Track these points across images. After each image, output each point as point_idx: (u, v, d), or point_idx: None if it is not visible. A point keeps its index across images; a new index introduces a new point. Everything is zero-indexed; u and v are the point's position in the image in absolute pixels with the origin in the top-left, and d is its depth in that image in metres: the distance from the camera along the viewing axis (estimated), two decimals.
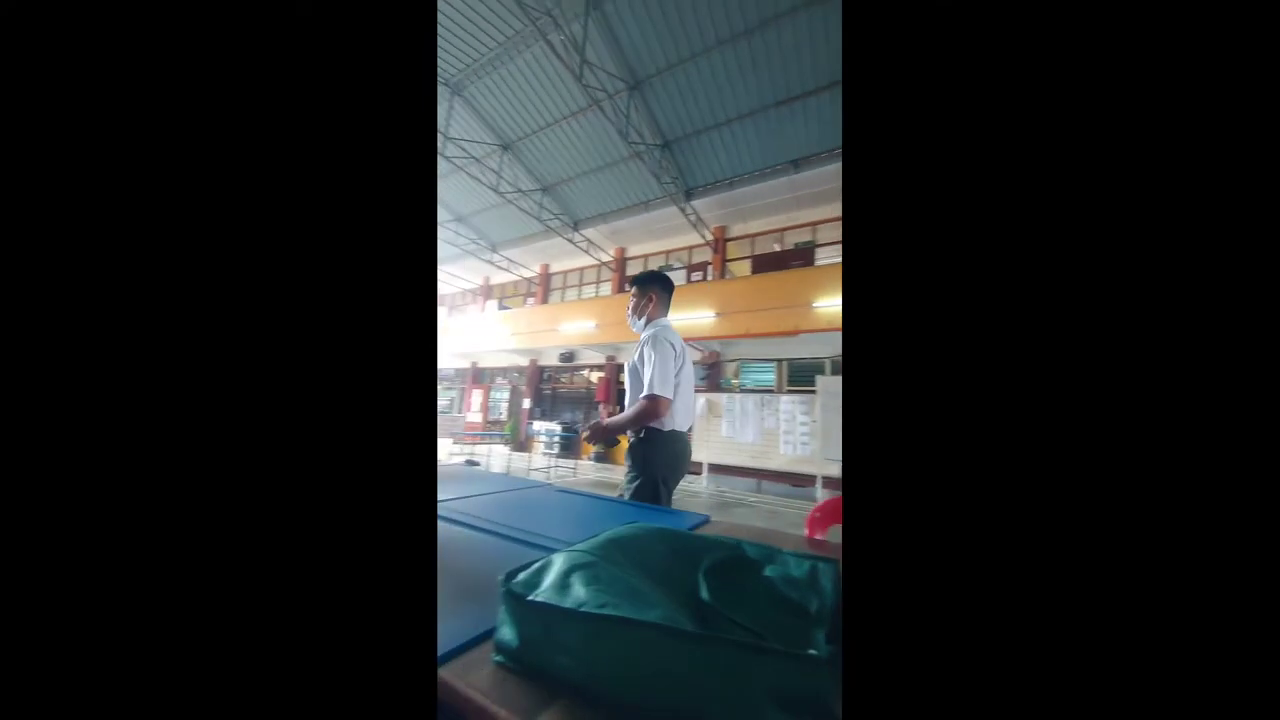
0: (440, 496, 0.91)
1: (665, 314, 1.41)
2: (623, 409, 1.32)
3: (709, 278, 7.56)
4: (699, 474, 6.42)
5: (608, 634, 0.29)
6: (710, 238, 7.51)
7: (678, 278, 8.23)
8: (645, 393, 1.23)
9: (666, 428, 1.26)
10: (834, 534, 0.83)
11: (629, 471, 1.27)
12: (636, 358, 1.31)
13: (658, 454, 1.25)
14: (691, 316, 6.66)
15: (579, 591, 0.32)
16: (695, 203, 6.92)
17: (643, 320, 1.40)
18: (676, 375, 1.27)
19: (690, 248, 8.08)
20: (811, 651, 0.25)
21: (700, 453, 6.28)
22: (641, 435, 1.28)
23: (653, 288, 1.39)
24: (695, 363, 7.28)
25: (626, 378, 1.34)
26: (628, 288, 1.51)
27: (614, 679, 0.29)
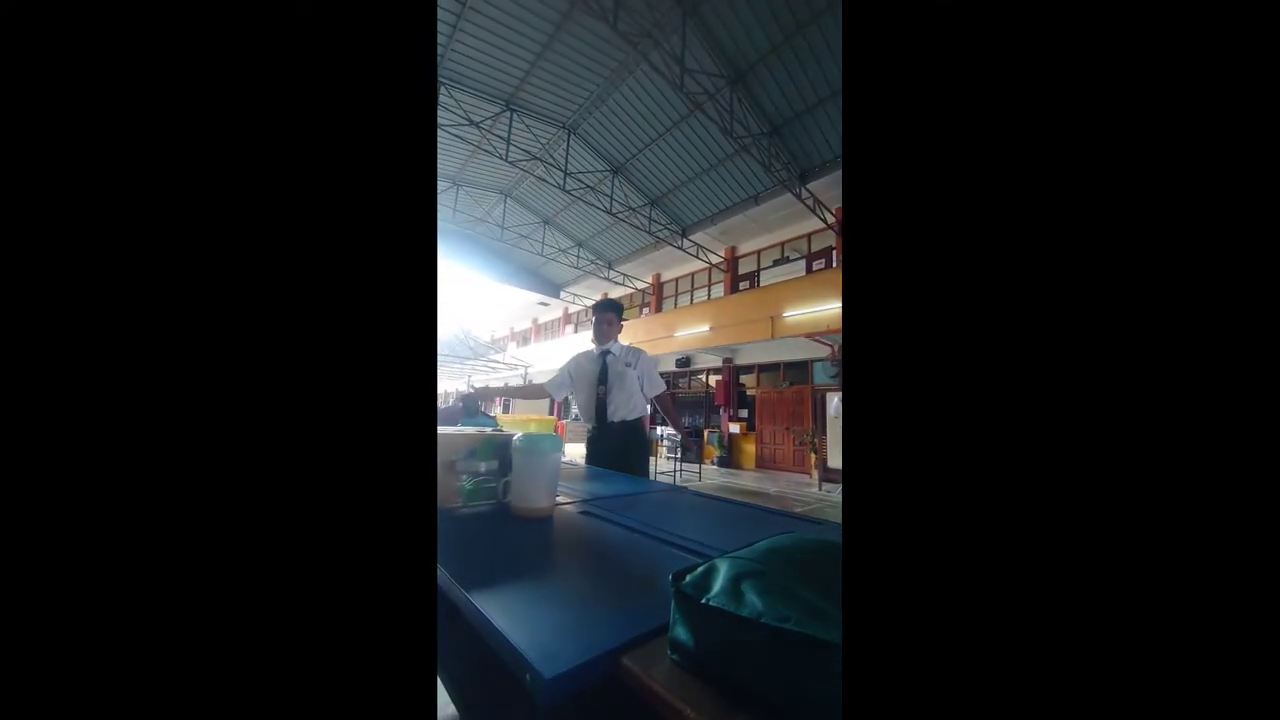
0: (585, 495, 1.00)
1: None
2: (647, 417, 1.72)
3: (834, 264, 6.84)
4: (838, 482, 5.79)
5: (794, 651, 0.27)
6: (832, 220, 6.79)
7: (797, 268, 7.65)
8: (662, 390, 1.79)
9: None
10: None
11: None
12: (639, 370, 1.73)
13: None
14: (816, 309, 6.10)
15: (753, 600, 0.31)
16: (812, 185, 6.36)
17: (610, 342, 1.77)
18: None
19: (810, 235, 7.44)
20: None
21: (836, 457, 5.66)
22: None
23: (616, 314, 1.80)
24: (826, 359, 6.65)
25: (616, 386, 1.71)
26: (588, 315, 1.84)
27: (791, 696, 0.27)
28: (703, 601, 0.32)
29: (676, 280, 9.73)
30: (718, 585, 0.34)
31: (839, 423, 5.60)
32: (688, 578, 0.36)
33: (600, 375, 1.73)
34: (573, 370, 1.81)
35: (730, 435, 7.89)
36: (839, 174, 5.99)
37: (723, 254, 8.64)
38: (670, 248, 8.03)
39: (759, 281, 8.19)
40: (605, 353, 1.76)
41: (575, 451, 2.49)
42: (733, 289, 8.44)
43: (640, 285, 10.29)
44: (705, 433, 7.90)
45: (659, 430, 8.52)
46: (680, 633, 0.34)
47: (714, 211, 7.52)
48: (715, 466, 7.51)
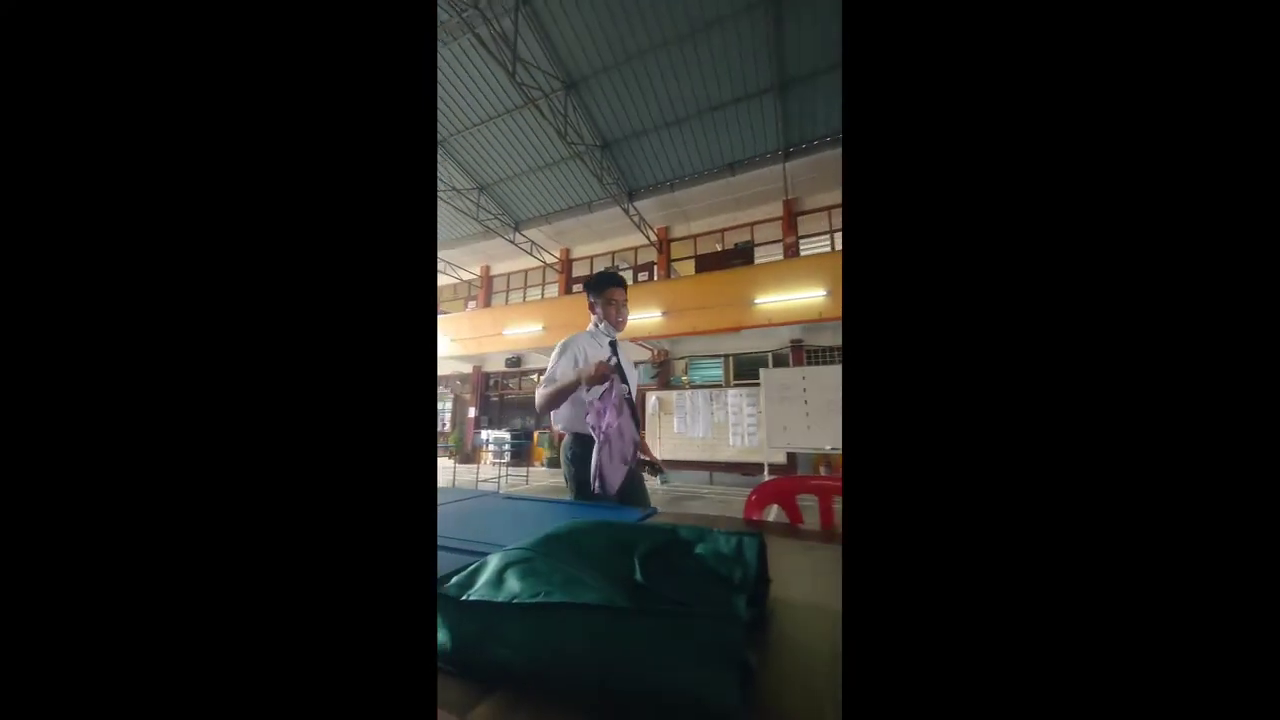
0: None
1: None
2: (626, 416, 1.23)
3: (655, 278, 7.68)
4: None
5: (544, 621, 0.30)
6: (654, 238, 7.63)
7: (624, 277, 8.27)
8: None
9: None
10: (769, 513, 0.89)
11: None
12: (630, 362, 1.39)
13: None
14: (639, 316, 6.72)
15: (513, 585, 0.33)
16: (638, 204, 7.00)
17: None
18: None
19: (636, 248, 8.16)
20: (734, 613, 0.28)
21: (655, 449, 6.37)
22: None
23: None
24: (644, 362, 7.40)
25: (631, 381, 1.37)
26: (578, 290, 1.55)
27: (552, 663, 0.30)
28: (462, 599, 0.32)
29: (508, 275, 9.25)
30: (482, 580, 0.34)
31: (656, 418, 6.31)
32: (454, 579, 0.35)
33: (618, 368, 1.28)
34: (579, 358, 1.27)
35: (561, 435, 7.94)
36: (664, 197, 6.78)
37: (558, 254, 8.67)
38: (501, 240, 7.59)
39: None
40: (614, 343, 1.35)
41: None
42: (567, 290, 8.54)
43: (466, 275, 9.39)
44: (535, 434, 7.74)
45: (483, 435, 7.90)
46: (440, 637, 0.33)
47: (548, 211, 7.48)
48: (545, 468, 7.45)
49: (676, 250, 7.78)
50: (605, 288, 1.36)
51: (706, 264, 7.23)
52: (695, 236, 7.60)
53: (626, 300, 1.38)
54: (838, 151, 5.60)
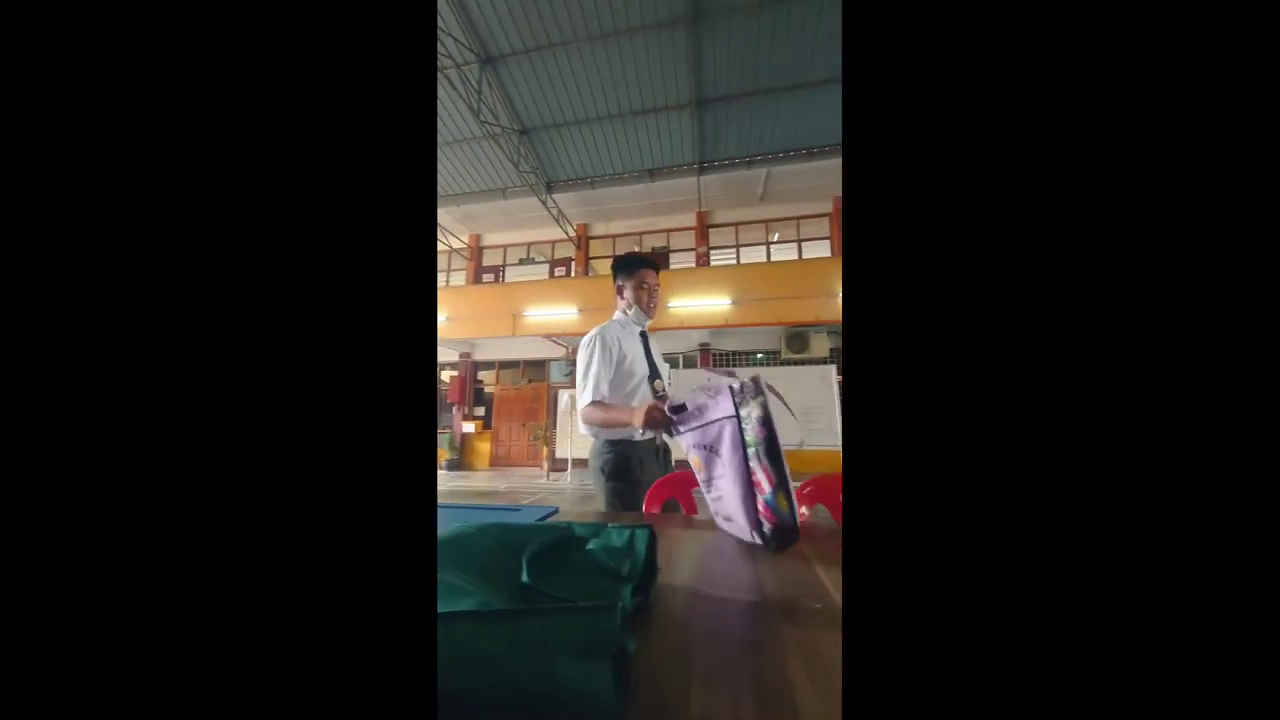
0: None
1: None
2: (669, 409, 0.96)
3: (572, 274, 7.57)
4: (565, 470, 6.41)
5: None
6: (574, 234, 7.51)
7: (540, 271, 8.01)
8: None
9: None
10: (668, 507, 0.94)
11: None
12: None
13: None
14: (555, 312, 6.57)
15: None
16: (558, 197, 6.83)
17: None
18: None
19: (554, 242, 7.95)
20: (615, 604, 0.29)
21: (564, 448, 6.27)
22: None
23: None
24: (559, 359, 7.25)
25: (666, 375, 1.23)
26: (610, 274, 1.30)
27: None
28: None
29: None
30: None
31: (568, 417, 6.22)
32: None
33: (649, 364, 1.14)
34: (614, 352, 1.12)
35: (464, 435, 7.40)
36: (585, 193, 6.70)
37: (467, 240, 8.05)
38: None
39: (504, 277, 8.09)
40: (643, 334, 1.22)
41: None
42: (476, 279, 7.99)
43: None
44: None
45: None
46: None
47: (457, 191, 6.90)
48: (445, 471, 6.86)
49: (595, 248, 7.76)
50: (637, 269, 1.19)
51: None
52: (615, 236, 7.67)
53: (659, 285, 1.22)
54: (747, 172, 6.12)
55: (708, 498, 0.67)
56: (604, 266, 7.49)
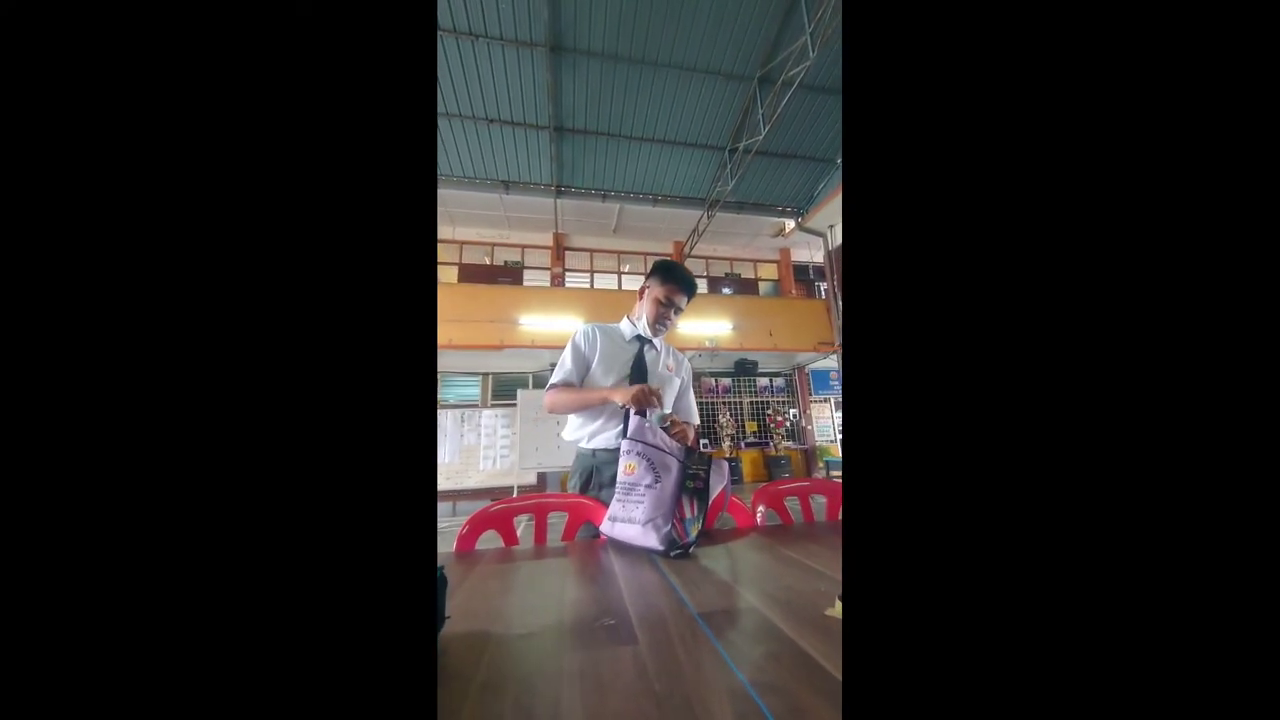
0: None
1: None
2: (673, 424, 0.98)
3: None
4: None
5: None
6: None
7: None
8: (697, 426, 1.16)
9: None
10: (484, 541, 0.87)
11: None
12: (684, 382, 1.17)
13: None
14: None
15: None
16: None
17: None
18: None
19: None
20: None
21: None
22: None
23: (689, 296, 1.14)
24: None
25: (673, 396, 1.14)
26: (646, 282, 1.13)
27: None
28: None
29: None
30: None
31: None
32: None
33: (634, 371, 1.07)
34: (587, 352, 1.08)
35: None
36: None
37: None
38: None
39: None
40: (645, 342, 1.11)
41: None
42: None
43: None
44: None
45: None
46: None
47: None
48: None
49: (440, 254, 6.99)
50: (673, 283, 1.08)
51: (472, 275, 6.81)
52: (461, 243, 7.07)
53: (681, 309, 1.10)
54: (602, 204, 6.48)
55: (624, 499, 0.78)
56: (448, 274, 6.80)
